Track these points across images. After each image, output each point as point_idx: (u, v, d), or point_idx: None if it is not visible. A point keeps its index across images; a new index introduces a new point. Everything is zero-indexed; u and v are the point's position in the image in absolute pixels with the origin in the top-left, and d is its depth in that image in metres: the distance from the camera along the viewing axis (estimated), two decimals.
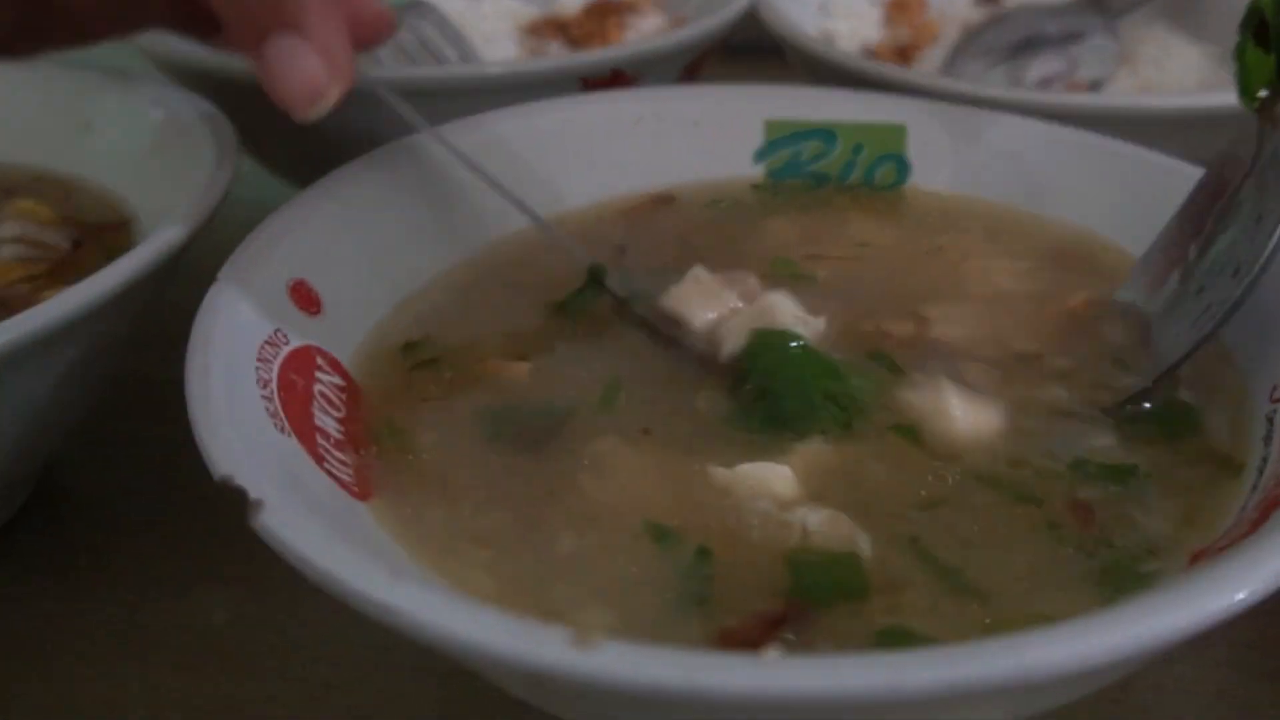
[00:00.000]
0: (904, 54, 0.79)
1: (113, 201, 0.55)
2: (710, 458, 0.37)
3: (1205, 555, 0.33)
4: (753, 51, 0.81)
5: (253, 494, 0.29)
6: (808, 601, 0.32)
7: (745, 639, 0.31)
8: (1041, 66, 0.75)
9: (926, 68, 0.79)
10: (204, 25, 0.47)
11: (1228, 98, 0.60)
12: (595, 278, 0.46)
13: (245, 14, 0.40)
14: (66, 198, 0.56)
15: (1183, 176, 0.46)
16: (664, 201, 0.54)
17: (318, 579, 0.27)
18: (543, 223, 0.48)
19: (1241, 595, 0.27)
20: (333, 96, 0.40)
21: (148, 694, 0.42)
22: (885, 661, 0.25)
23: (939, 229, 0.52)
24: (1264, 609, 0.45)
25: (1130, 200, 0.49)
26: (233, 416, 0.32)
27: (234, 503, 0.29)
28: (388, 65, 0.66)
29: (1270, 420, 0.38)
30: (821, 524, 0.34)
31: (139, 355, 0.47)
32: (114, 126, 0.57)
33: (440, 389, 0.41)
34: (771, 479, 0.36)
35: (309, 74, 0.39)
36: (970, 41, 0.77)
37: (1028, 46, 0.75)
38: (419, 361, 0.42)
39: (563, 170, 0.53)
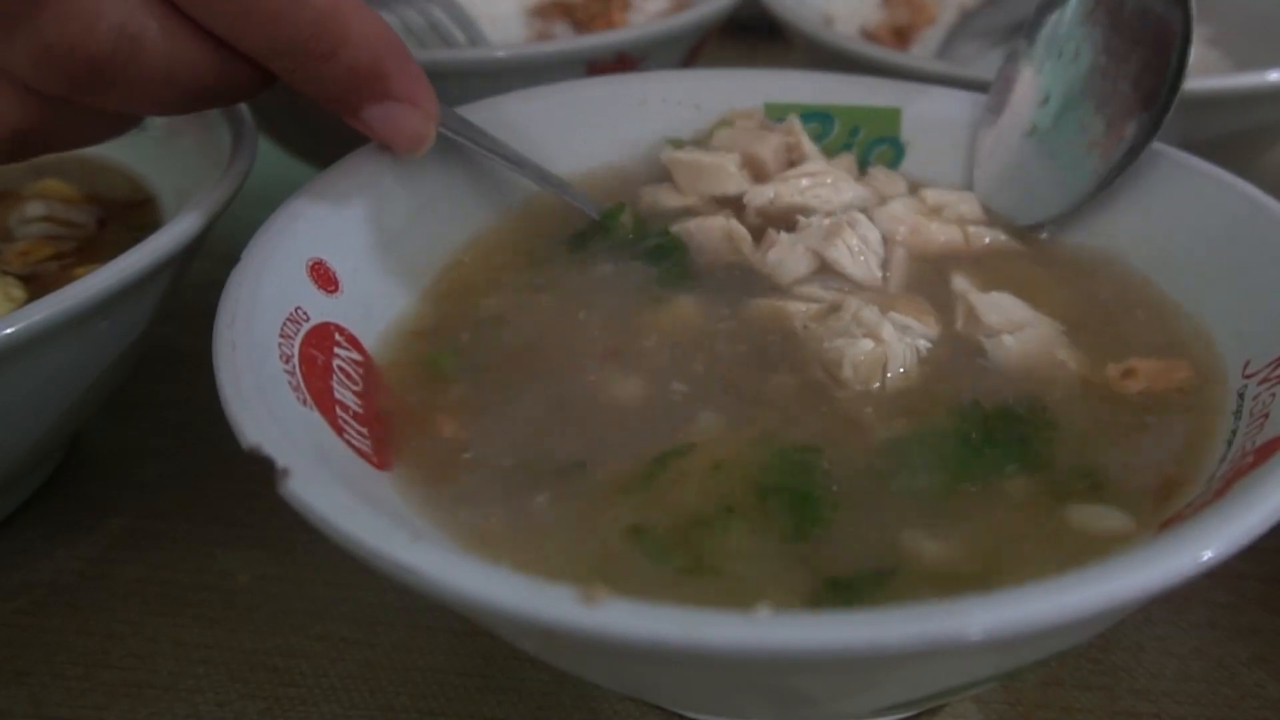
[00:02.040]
0: (901, 35, 0.80)
1: (134, 179, 0.57)
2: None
3: (1174, 521, 0.34)
4: (754, 29, 0.82)
5: (280, 463, 0.30)
6: None
7: None
8: None
9: (924, 49, 0.80)
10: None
11: (1221, 81, 0.62)
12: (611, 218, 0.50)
13: (338, 98, 0.41)
14: (90, 175, 0.57)
15: (1172, 161, 0.48)
16: None
17: (342, 542, 0.29)
18: (555, 181, 0.50)
19: (1208, 554, 0.28)
20: (432, 134, 0.44)
21: (175, 648, 0.44)
22: (868, 619, 0.26)
23: None
24: (1239, 571, 0.47)
25: (1119, 188, 0.49)
26: (259, 390, 0.33)
27: (261, 470, 0.30)
28: None
29: (1241, 395, 0.39)
30: None
31: (163, 326, 0.49)
32: None
33: (456, 361, 0.43)
34: None
35: (411, 130, 0.43)
36: (967, 24, 0.78)
37: (1024, 29, 0.76)
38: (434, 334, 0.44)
39: (568, 152, 0.54)
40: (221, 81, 0.39)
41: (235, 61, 0.38)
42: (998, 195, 0.52)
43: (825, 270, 0.47)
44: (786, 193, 0.50)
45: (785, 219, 0.50)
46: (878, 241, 0.48)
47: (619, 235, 0.50)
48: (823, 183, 0.51)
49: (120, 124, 0.42)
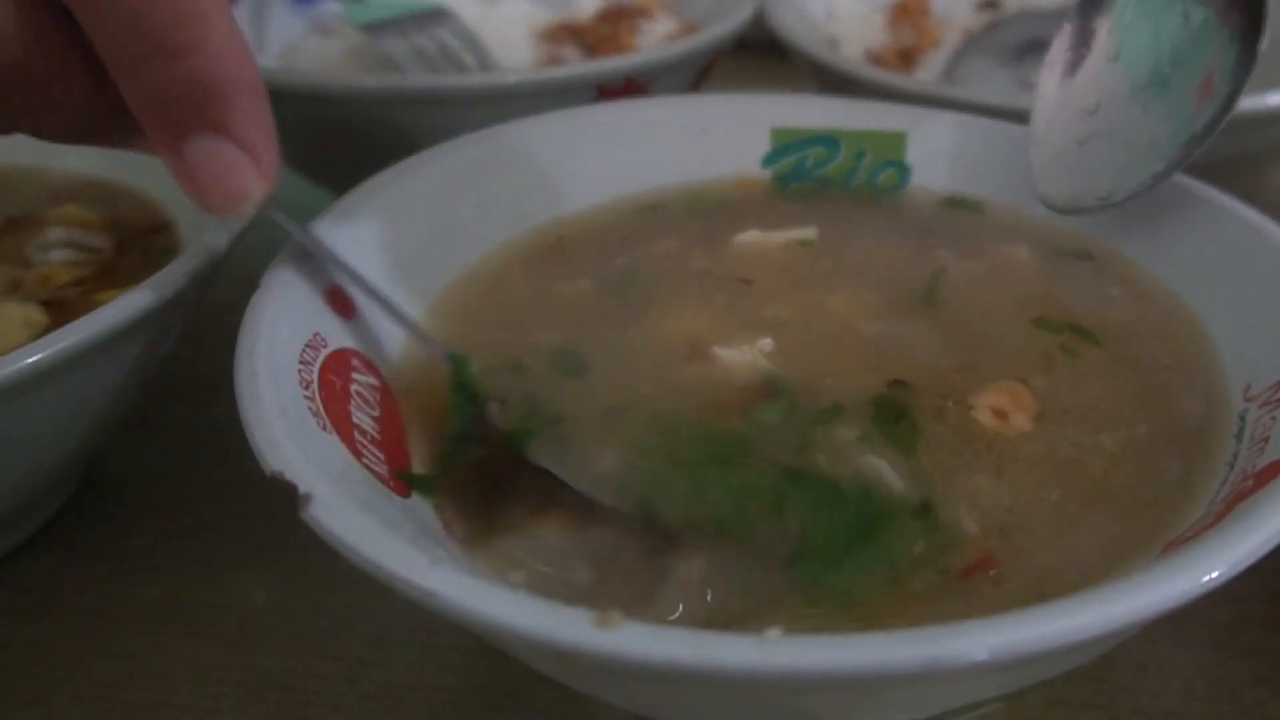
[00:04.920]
0: (907, 58, 0.81)
1: (151, 205, 0.58)
2: None
3: (1175, 544, 0.35)
4: (761, 49, 0.83)
5: (302, 488, 0.31)
6: None
7: None
8: None
9: (928, 72, 0.80)
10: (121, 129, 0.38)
11: None
12: (458, 368, 0.42)
13: (164, 114, 0.35)
14: (108, 201, 0.58)
15: (1175, 185, 0.48)
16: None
17: (363, 565, 0.29)
18: (410, 323, 0.43)
19: (1211, 576, 0.29)
20: (259, 197, 0.37)
21: (194, 669, 0.44)
22: (877, 641, 0.27)
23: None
24: (1240, 591, 0.48)
25: (1130, 209, 0.50)
26: (280, 417, 0.34)
27: (282, 494, 0.31)
28: (410, 73, 0.68)
29: (1243, 418, 0.40)
30: None
31: (179, 348, 0.50)
32: None
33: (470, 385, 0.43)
34: None
35: (236, 177, 0.36)
36: (972, 45, 0.79)
37: (1030, 50, 0.77)
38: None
39: (575, 175, 0.55)
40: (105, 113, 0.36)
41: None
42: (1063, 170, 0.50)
43: None
44: None
45: None
46: None
47: None
48: None
49: None
